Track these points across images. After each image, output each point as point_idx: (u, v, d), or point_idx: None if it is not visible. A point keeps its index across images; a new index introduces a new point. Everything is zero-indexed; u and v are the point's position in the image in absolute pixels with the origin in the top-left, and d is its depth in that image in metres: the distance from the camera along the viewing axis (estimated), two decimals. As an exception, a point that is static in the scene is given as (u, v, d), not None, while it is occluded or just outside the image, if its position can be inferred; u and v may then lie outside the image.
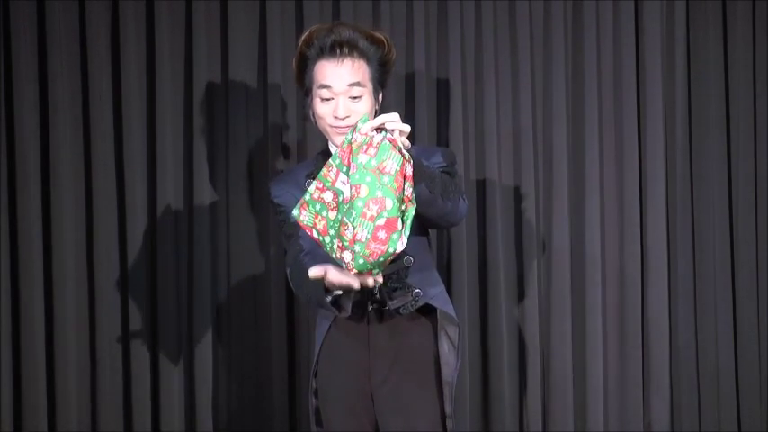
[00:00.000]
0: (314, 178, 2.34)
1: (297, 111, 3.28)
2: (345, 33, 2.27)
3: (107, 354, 3.22)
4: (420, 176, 2.04)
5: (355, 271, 1.99)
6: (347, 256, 1.98)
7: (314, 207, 2.06)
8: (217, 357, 3.27)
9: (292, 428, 3.29)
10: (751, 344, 3.46)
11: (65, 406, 3.19)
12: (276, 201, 2.39)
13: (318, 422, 2.42)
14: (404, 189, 1.99)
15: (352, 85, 2.27)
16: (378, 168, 1.95)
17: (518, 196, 3.39)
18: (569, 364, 3.40)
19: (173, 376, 3.24)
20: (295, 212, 2.10)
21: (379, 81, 2.34)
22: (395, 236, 1.95)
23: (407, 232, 1.99)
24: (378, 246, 1.94)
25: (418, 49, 3.31)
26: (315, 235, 2.09)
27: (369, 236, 1.94)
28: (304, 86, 2.36)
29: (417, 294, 2.29)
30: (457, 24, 3.34)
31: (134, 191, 3.22)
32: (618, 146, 3.44)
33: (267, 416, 3.25)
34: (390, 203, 1.94)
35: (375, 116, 2.32)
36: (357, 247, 1.95)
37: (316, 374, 2.39)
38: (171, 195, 3.23)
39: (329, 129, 2.31)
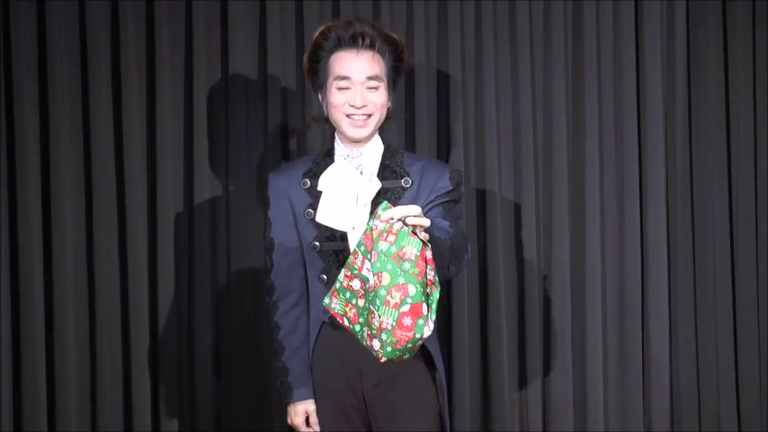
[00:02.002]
0: (310, 178, 2.35)
1: (297, 110, 3.28)
2: (365, 27, 2.30)
3: (107, 354, 3.22)
4: (433, 252, 2.05)
5: (384, 359, 2.01)
6: (376, 344, 2.00)
7: (344, 295, 2.07)
8: (217, 357, 3.26)
9: (291, 428, 3.29)
10: (751, 344, 3.46)
11: (65, 406, 3.19)
12: (269, 197, 2.39)
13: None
14: (426, 273, 2.00)
15: (370, 77, 2.28)
16: (398, 255, 1.96)
17: (518, 196, 3.39)
18: (569, 364, 3.40)
19: (172, 376, 3.24)
20: (326, 301, 2.12)
21: (392, 79, 2.36)
22: (420, 321, 1.97)
23: (433, 316, 2.00)
24: (404, 333, 1.96)
25: (418, 49, 3.30)
26: (345, 323, 2.10)
27: (394, 323, 1.96)
28: (315, 81, 2.36)
29: None
30: (457, 24, 3.34)
31: (134, 191, 3.21)
32: (618, 146, 3.43)
33: (267, 416, 3.25)
34: (413, 290, 1.96)
35: (387, 114, 2.34)
36: (384, 336, 1.97)
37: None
38: (171, 195, 3.23)
39: (343, 119, 2.30)
